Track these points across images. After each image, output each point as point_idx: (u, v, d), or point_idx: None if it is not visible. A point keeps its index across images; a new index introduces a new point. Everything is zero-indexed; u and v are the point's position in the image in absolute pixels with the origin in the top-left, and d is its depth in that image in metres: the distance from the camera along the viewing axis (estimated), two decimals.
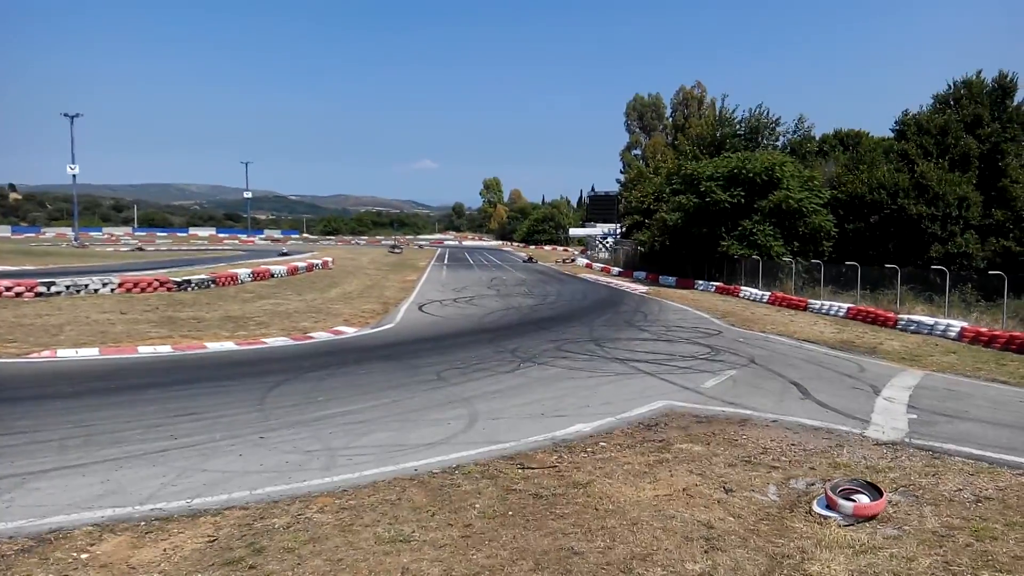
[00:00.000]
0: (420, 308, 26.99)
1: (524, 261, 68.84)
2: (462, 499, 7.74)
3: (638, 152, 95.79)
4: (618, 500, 7.82)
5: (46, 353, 15.56)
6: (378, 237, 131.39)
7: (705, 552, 6.58)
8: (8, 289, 23.62)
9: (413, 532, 6.85)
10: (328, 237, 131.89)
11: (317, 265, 43.81)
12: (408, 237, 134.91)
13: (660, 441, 10.13)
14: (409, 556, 6.35)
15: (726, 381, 14.56)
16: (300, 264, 41.71)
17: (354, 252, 74.16)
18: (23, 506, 7.19)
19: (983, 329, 20.91)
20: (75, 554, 6.23)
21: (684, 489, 8.19)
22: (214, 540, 6.58)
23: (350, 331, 20.61)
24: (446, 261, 65.88)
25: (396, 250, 79.71)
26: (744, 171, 37.60)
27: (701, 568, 6.25)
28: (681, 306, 29.88)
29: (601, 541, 6.76)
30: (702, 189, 38.66)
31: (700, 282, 39.35)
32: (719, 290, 37.03)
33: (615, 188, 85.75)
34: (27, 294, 23.81)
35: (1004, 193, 33.98)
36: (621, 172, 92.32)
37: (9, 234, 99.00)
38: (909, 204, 33.67)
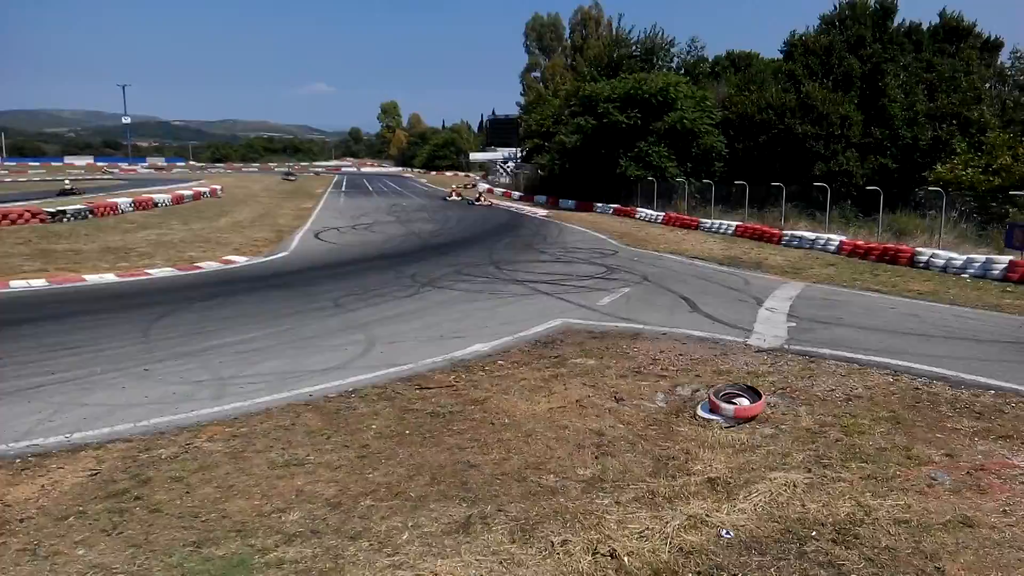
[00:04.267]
0: (316, 236, 26.28)
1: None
2: (358, 421, 7.71)
3: (537, 74, 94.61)
4: (513, 414, 7.97)
5: None
6: (271, 164, 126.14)
7: (596, 458, 6.83)
8: None
9: (308, 455, 6.80)
10: (217, 165, 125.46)
11: (205, 193, 41.72)
12: (303, 164, 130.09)
13: (555, 357, 10.35)
14: (304, 479, 6.31)
15: (620, 298, 14.94)
16: (186, 192, 39.59)
17: (245, 180, 70.93)
18: None
19: (860, 242, 22.18)
20: None
21: (577, 401, 8.43)
22: (96, 473, 6.33)
23: (241, 260, 19.88)
24: (344, 188, 64.06)
25: (290, 177, 76.79)
26: (640, 92, 37.90)
27: (592, 472, 6.49)
28: (580, 228, 30.26)
29: (496, 453, 6.91)
30: (600, 111, 38.82)
31: (599, 205, 39.86)
32: (617, 212, 37.67)
33: (516, 112, 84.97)
34: None
35: (883, 112, 35.40)
36: (521, 95, 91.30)
37: None
38: (795, 123, 34.74)
